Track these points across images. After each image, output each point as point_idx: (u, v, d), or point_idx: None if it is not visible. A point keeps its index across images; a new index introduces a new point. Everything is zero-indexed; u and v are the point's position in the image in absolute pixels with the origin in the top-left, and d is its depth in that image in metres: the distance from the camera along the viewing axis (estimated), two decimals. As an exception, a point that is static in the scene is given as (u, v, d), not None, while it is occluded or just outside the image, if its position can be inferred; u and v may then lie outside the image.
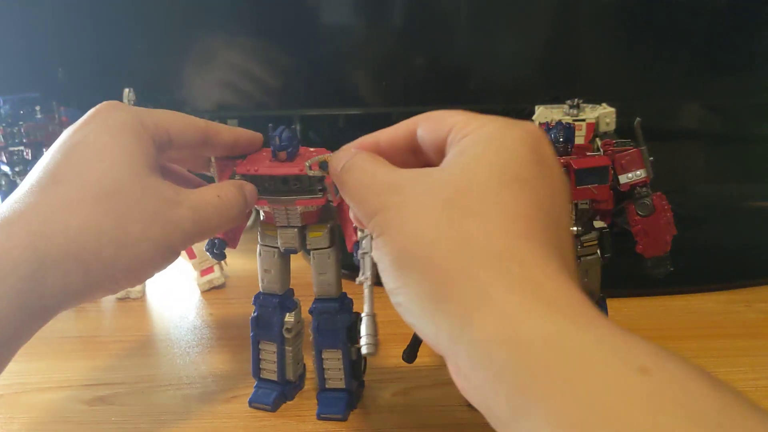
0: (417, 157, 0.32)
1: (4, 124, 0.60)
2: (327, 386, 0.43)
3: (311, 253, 0.42)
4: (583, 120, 0.58)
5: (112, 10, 0.70)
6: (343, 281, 0.43)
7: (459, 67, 0.72)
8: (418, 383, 0.47)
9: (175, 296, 0.63)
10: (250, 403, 0.44)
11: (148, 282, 0.65)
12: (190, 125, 0.38)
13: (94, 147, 0.33)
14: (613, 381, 0.20)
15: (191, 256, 0.63)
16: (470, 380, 0.24)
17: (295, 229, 0.41)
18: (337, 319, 0.42)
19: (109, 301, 0.62)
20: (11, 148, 0.60)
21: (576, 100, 0.59)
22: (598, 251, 0.41)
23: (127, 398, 0.46)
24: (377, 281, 0.30)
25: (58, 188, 0.32)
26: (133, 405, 0.46)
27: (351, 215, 0.34)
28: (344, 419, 0.42)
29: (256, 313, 0.44)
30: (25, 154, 0.60)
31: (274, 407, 0.43)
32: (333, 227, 0.42)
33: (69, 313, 0.60)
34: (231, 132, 0.40)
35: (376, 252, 0.28)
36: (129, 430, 0.43)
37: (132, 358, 0.52)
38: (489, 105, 0.72)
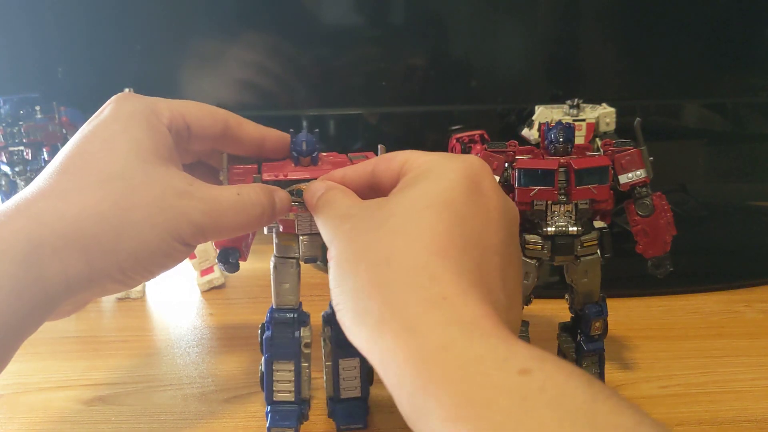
0: (377, 194, 0.34)
1: (4, 124, 0.59)
2: (342, 396, 0.42)
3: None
4: (583, 120, 0.58)
5: (111, 11, 0.70)
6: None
7: (459, 67, 0.72)
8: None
9: (175, 296, 0.63)
10: (269, 430, 0.41)
11: (149, 282, 0.64)
12: (209, 114, 0.37)
13: (103, 136, 0.33)
14: (497, 382, 0.22)
15: (191, 256, 0.63)
16: (384, 383, 0.26)
17: (318, 236, 0.40)
18: None
19: (109, 301, 0.62)
20: (11, 148, 0.60)
21: (576, 100, 0.59)
22: (598, 251, 0.41)
23: (126, 398, 0.46)
24: None
25: (64, 176, 0.32)
26: (132, 405, 0.46)
27: None
28: (365, 427, 0.42)
29: (270, 333, 0.41)
30: (25, 154, 0.60)
31: (297, 429, 0.41)
32: None
33: (69, 313, 0.60)
34: (257, 127, 0.39)
35: (329, 273, 0.30)
36: (128, 430, 0.43)
37: (132, 358, 0.52)
38: (489, 105, 0.72)
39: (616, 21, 0.71)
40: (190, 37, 0.71)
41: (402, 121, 0.73)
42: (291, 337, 0.41)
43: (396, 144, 0.40)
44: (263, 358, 0.41)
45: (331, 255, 0.30)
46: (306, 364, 0.41)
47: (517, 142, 0.41)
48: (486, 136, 0.62)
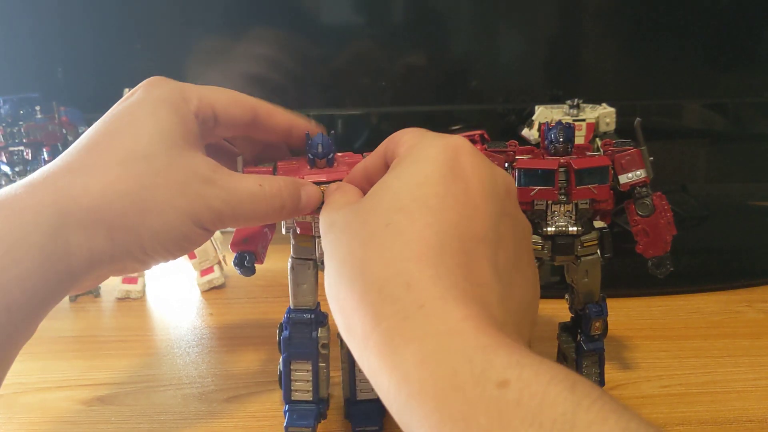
0: None
1: (4, 124, 0.59)
2: (359, 398, 0.42)
3: None
4: (583, 120, 0.58)
5: (111, 11, 0.70)
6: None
7: (459, 67, 0.72)
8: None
9: (175, 296, 0.63)
10: (287, 429, 0.41)
11: (148, 282, 0.64)
12: (238, 101, 0.37)
13: (130, 117, 0.33)
14: (474, 398, 0.22)
15: (191, 256, 0.63)
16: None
17: None
18: None
19: (109, 301, 0.62)
20: (11, 148, 0.60)
21: (576, 100, 0.59)
22: (598, 251, 0.41)
23: (126, 398, 0.46)
24: None
25: (89, 153, 0.32)
26: (132, 405, 0.46)
27: None
28: (381, 429, 0.42)
29: (287, 333, 0.41)
30: (25, 154, 0.60)
31: (314, 429, 0.41)
32: None
33: (68, 313, 0.60)
34: (286, 116, 0.39)
35: None
36: (128, 430, 0.43)
37: (131, 358, 0.52)
38: (489, 105, 0.72)
39: (616, 21, 0.71)
40: (191, 37, 0.71)
41: (402, 121, 0.73)
42: (309, 338, 0.41)
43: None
44: (281, 357, 0.41)
45: (325, 267, 0.30)
46: (323, 364, 0.41)
47: (517, 142, 0.41)
48: (486, 136, 0.62)
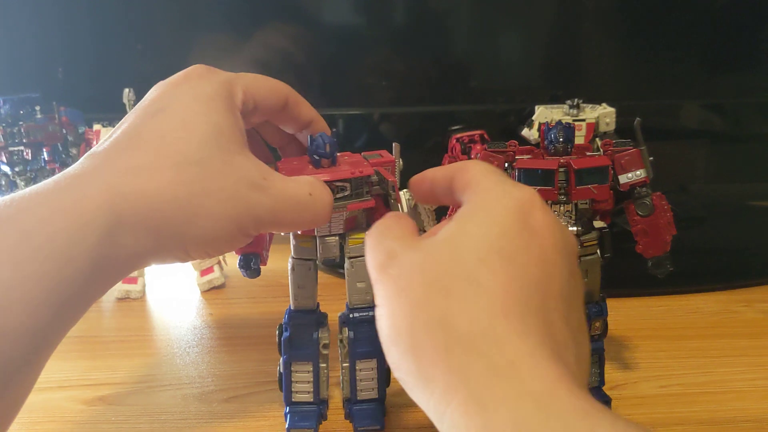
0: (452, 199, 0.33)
1: (4, 124, 0.59)
2: (359, 398, 0.42)
3: (349, 261, 0.40)
4: (583, 120, 0.58)
5: (112, 11, 0.70)
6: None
7: (459, 67, 0.72)
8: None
9: (175, 296, 0.63)
10: (289, 431, 0.41)
11: (148, 282, 0.65)
12: (275, 91, 0.37)
13: (181, 116, 0.32)
14: None
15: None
16: None
17: (337, 237, 0.40)
18: (375, 327, 0.41)
19: (109, 301, 0.62)
20: (11, 148, 0.60)
21: (576, 100, 0.59)
22: (598, 251, 0.41)
23: (126, 398, 0.46)
24: None
25: (138, 152, 0.31)
26: (132, 405, 0.46)
27: None
28: (382, 429, 0.42)
29: (288, 334, 0.41)
30: (25, 154, 0.60)
31: (316, 429, 0.41)
32: None
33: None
34: (310, 110, 0.39)
35: (377, 322, 0.28)
36: (128, 429, 0.43)
37: (132, 358, 0.52)
38: (489, 105, 0.72)
39: (616, 21, 0.71)
40: (192, 37, 0.71)
41: (402, 121, 0.73)
42: (309, 339, 0.41)
43: (399, 144, 0.41)
44: (281, 359, 0.41)
45: (379, 302, 0.28)
46: (324, 365, 0.42)
47: (517, 142, 0.41)
48: (486, 136, 0.62)
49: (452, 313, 0.26)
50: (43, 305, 0.28)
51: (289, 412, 0.41)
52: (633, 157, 0.41)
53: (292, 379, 0.41)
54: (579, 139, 0.51)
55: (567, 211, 0.40)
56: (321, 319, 0.42)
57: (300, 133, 0.40)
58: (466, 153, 0.62)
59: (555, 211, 0.40)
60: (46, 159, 0.61)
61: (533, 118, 0.60)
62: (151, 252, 0.31)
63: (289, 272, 0.40)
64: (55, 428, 0.43)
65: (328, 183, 0.36)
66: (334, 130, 0.39)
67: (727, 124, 0.75)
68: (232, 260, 0.61)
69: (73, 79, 0.71)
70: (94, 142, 0.60)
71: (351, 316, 0.41)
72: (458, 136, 0.63)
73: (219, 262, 0.64)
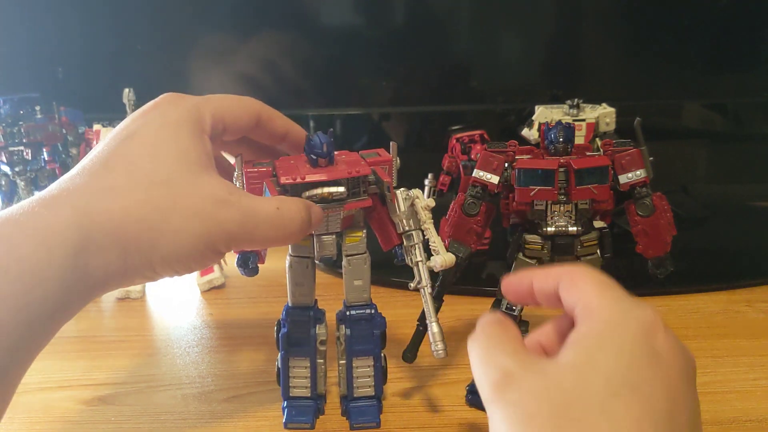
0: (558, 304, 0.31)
1: (4, 124, 0.59)
2: (355, 395, 0.42)
3: (346, 259, 0.41)
4: (583, 120, 0.58)
5: (112, 11, 0.70)
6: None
7: (459, 67, 0.72)
8: (419, 383, 0.47)
9: (175, 296, 0.63)
10: (286, 425, 0.41)
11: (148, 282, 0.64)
12: (246, 111, 0.38)
13: (150, 140, 0.34)
14: None
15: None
16: None
17: (334, 236, 0.40)
18: (372, 325, 0.41)
19: (109, 301, 0.62)
20: (11, 148, 0.60)
21: (576, 100, 0.59)
22: (598, 251, 0.41)
23: (126, 398, 0.46)
24: None
25: (110, 175, 0.32)
26: (132, 405, 0.46)
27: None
28: (378, 426, 0.42)
29: (285, 330, 0.41)
30: (25, 154, 0.60)
31: (313, 425, 0.42)
32: (366, 232, 0.41)
33: (69, 313, 0.60)
34: (284, 122, 0.40)
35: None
36: (129, 429, 0.43)
37: (132, 358, 0.52)
38: (489, 105, 0.72)
39: (617, 21, 0.71)
40: (191, 37, 0.71)
41: (402, 121, 0.73)
42: (307, 335, 0.41)
43: (397, 143, 0.41)
44: (279, 354, 0.41)
45: (497, 426, 0.27)
46: (321, 361, 0.42)
47: (517, 142, 0.41)
48: (486, 136, 0.62)
49: None
50: (9, 325, 0.28)
51: (286, 406, 0.41)
52: (633, 157, 0.41)
53: (290, 374, 0.42)
54: (579, 139, 0.51)
55: (567, 211, 0.40)
56: (318, 316, 0.42)
57: (279, 145, 0.41)
58: (466, 153, 0.62)
59: (555, 211, 0.40)
60: (46, 159, 0.61)
61: (533, 118, 0.60)
62: (120, 273, 0.32)
63: (287, 269, 0.41)
64: (55, 428, 0.43)
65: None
66: (331, 129, 0.39)
67: (728, 124, 0.75)
68: (233, 260, 0.61)
69: (73, 79, 0.71)
70: (94, 142, 0.60)
71: (348, 313, 0.41)
72: (458, 136, 0.63)
73: (219, 262, 0.64)
